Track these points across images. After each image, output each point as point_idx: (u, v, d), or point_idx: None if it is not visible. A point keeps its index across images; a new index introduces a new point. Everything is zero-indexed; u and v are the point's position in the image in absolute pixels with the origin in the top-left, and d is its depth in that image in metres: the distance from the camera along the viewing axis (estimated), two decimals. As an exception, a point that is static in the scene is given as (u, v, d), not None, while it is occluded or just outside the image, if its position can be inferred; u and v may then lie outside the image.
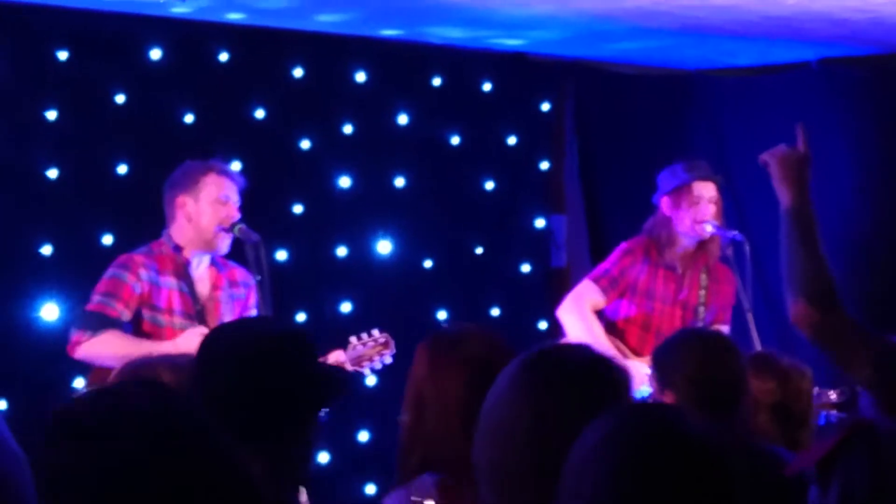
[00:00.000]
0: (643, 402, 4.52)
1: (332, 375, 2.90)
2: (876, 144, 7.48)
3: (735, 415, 3.55)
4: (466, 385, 3.01)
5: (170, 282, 5.09)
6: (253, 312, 5.29)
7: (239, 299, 5.24)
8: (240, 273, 5.29)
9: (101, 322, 4.96)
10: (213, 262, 5.22)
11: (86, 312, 5.02)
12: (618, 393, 2.35)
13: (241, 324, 3.35)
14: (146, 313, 5.06)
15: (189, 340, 4.73)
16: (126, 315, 5.02)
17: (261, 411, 2.64)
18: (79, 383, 5.85)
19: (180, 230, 5.15)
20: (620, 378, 2.39)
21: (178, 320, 5.06)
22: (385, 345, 5.25)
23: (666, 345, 3.80)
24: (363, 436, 7.18)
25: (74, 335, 5.00)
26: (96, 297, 5.03)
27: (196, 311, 5.10)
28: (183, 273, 5.11)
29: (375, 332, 5.29)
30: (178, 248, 5.12)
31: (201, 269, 5.18)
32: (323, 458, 6.98)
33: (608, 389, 2.34)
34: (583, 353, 2.43)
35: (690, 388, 3.57)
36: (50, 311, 6.21)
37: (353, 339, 5.25)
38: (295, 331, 2.85)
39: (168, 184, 5.28)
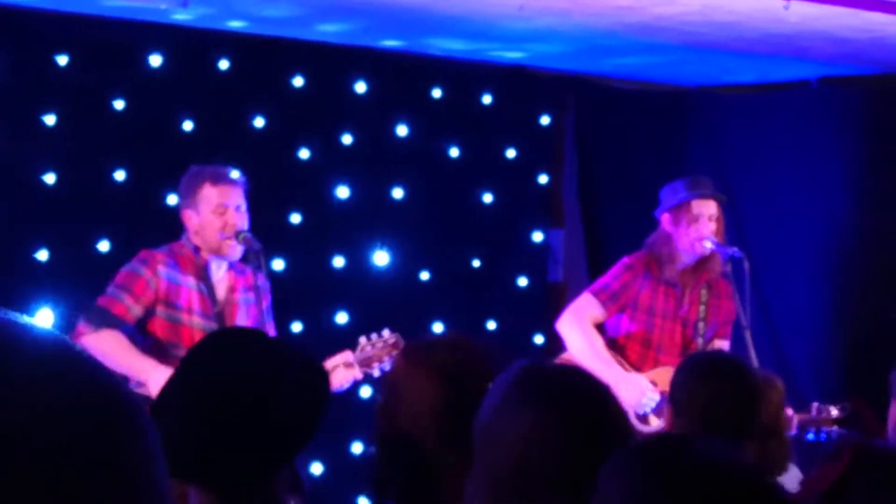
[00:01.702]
0: (657, 434, 4.53)
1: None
2: (874, 163, 7.47)
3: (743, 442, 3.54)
4: (438, 392, 2.98)
5: (190, 281, 5.13)
6: (269, 317, 5.31)
7: (255, 304, 5.22)
8: (256, 277, 5.31)
9: (104, 319, 4.99)
10: (231, 267, 5.25)
11: (94, 306, 5.05)
12: (615, 421, 2.40)
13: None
14: (160, 310, 5.07)
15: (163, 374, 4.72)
16: (135, 310, 5.03)
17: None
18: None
19: (194, 240, 5.20)
20: (617, 404, 2.45)
21: (196, 320, 5.10)
22: (395, 345, 5.14)
23: (680, 372, 3.76)
24: (356, 447, 7.15)
25: (80, 325, 5.04)
26: (109, 290, 5.07)
27: (215, 313, 5.14)
28: (203, 274, 5.16)
29: (386, 333, 5.23)
30: (197, 250, 5.15)
31: (220, 273, 5.22)
32: (316, 469, 6.96)
33: (604, 414, 2.38)
34: (579, 376, 2.49)
35: (700, 418, 3.55)
36: (45, 317, 6.18)
37: (362, 339, 5.20)
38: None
39: (178, 195, 5.33)
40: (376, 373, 5.20)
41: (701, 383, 3.61)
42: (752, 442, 3.78)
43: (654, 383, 5.75)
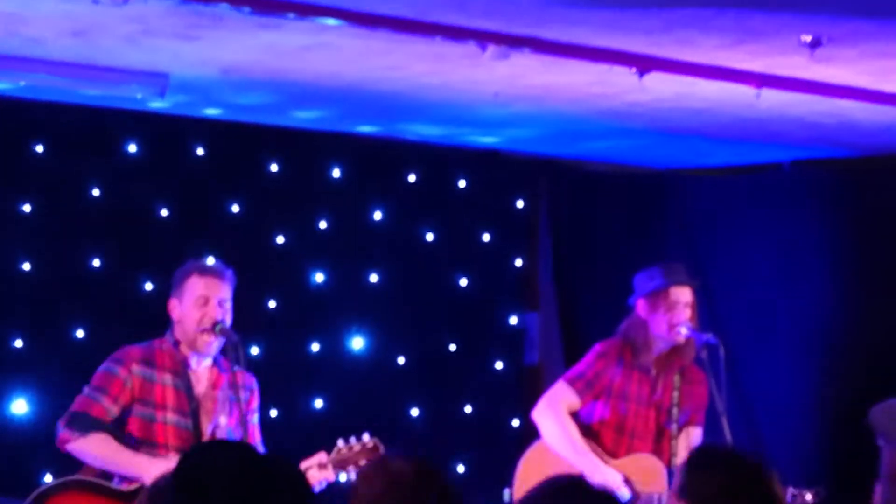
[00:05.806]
0: None
1: None
2: (848, 246, 7.52)
3: None
4: None
5: (166, 378, 5.12)
6: (255, 417, 5.29)
7: (238, 402, 5.17)
8: (243, 376, 5.26)
9: (87, 423, 4.99)
10: (216, 363, 5.22)
11: (74, 412, 5.03)
12: None
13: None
14: (136, 409, 5.07)
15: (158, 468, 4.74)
16: (113, 411, 5.03)
17: None
18: (48, 478, 5.80)
19: (175, 331, 5.20)
20: None
21: (170, 416, 5.08)
22: (374, 449, 5.12)
23: (700, 456, 3.71)
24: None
25: (62, 432, 5.02)
26: (86, 390, 5.07)
27: (191, 410, 5.10)
28: (181, 370, 5.13)
29: (365, 437, 5.20)
30: (176, 344, 5.13)
31: (202, 368, 5.19)
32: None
33: None
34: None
35: None
36: (20, 406, 6.16)
37: (340, 442, 5.17)
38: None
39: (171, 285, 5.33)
40: (354, 476, 5.13)
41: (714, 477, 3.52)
42: None
43: (626, 477, 5.74)
